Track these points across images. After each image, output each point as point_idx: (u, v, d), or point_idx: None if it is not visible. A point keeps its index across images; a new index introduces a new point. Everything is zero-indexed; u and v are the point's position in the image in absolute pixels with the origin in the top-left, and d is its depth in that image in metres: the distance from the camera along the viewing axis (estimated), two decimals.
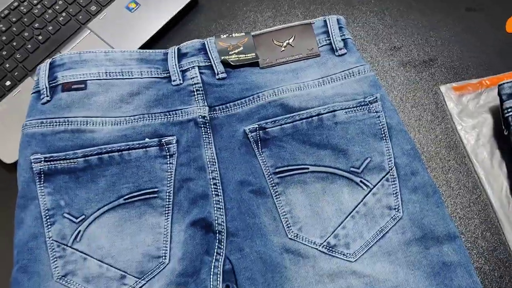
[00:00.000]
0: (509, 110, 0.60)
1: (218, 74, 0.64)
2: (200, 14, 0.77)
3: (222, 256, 0.58)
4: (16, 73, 0.70)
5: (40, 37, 0.72)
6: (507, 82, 0.60)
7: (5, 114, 0.68)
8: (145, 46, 0.73)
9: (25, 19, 0.73)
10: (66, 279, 0.57)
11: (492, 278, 0.59)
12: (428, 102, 0.68)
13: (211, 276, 0.57)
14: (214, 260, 0.57)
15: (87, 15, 0.74)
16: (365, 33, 0.73)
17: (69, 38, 0.73)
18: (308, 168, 0.60)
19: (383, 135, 0.60)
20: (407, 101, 0.69)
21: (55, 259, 0.57)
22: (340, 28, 0.65)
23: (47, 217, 0.58)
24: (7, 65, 0.70)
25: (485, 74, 0.69)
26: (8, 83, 0.69)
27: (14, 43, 0.71)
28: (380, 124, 0.60)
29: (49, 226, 0.58)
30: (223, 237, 0.58)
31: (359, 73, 0.63)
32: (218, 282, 0.57)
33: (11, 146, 0.66)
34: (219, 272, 0.57)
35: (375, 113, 0.61)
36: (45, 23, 0.73)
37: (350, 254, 0.57)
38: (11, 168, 0.65)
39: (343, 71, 0.63)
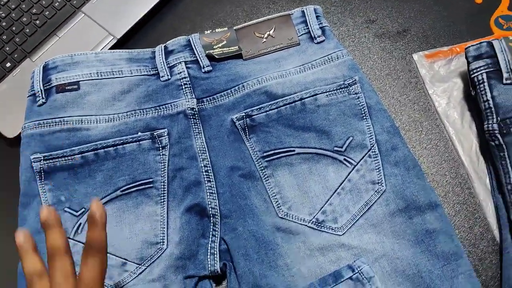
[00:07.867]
0: (475, 71, 0.62)
1: (204, 67, 0.67)
2: None
3: (217, 237, 0.60)
4: (15, 55, 0.75)
5: (37, 22, 0.76)
6: (473, 45, 0.63)
7: (6, 92, 0.73)
8: (138, 24, 0.77)
9: (23, 6, 0.77)
10: None
11: (463, 229, 0.63)
12: (402, 70, 0.72)
13: (208, 256, 0.60)
14: (210, 242, 0.60)
15: (81, 0, 0.78)
16: (341, 8, 0.77)
17: (65, 21, 0.77)
18: (294, 150, 0.62)
19: (363, 114, 0.63)
20: (382, 70, 0.72)
21: None
22: (317, 17, 0.68)
23: None
24: (7, 48, 0.75)
25: (456, 42, 0.72)
26: (8, 64, 0.74)
27: (14, 28, 0.76)
28: (360, 104, 0.63)
29: None
30: (217, 220, 0.61)
31: (337, 58, 0.66)
32: (216, 262, 0.59)
33: (12, 122, 0.71)
34: (215, 252, 0.60)
35: (355, 95, 0.64)
36: (42, 9, 0.77)
37: (338, 228, 0.59)
38: (13, 142, 0.71)
39: (322, 57, 0.66)
